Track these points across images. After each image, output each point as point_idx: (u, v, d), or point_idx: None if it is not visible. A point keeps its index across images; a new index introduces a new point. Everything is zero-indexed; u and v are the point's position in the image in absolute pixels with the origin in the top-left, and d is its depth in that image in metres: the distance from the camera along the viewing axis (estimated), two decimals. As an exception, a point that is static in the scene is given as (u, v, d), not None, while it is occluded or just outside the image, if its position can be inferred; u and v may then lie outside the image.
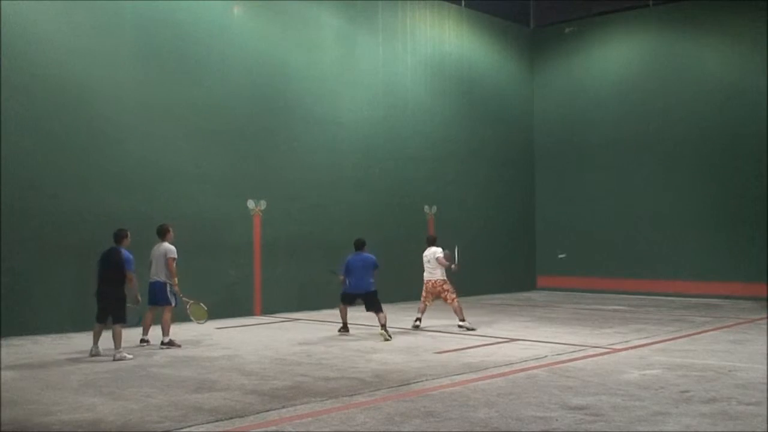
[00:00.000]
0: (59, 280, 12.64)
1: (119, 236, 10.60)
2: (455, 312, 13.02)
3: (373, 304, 12.15)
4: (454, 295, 13.05)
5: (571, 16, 21.91)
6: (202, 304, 11.74)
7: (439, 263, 13.03)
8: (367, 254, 12.51)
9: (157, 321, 11.27)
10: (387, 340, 11.55)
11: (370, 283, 12.22)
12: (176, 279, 11.13)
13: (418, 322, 13.10)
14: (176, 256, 11.14)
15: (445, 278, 13.11)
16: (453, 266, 13.17)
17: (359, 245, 12.60)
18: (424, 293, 13.28)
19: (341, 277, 12.44)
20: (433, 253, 13.13)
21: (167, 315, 11.06)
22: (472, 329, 12.76)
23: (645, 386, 7.98)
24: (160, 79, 14.24)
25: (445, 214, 19.40)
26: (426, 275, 13.23)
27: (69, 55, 13.04)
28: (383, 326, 11.84)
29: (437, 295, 13.21)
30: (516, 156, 21.86)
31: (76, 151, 13.11)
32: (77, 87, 13.13)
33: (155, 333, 11.29)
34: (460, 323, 12.90)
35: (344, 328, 12.48)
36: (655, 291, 19.52)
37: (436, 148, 19.53)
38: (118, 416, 6.78)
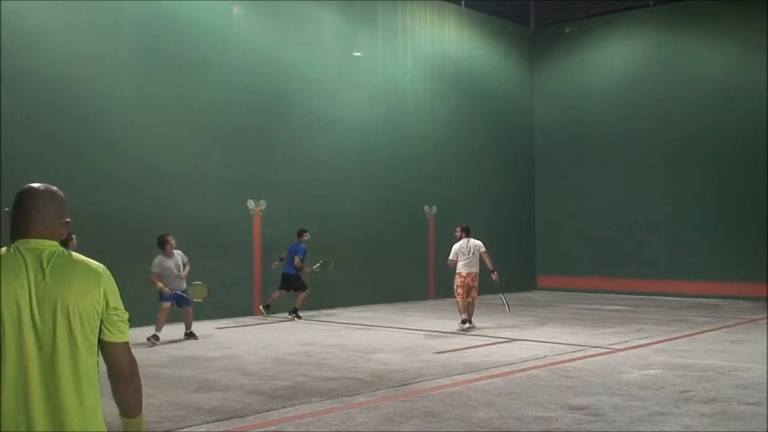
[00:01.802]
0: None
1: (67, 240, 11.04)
2: (468, 311, 12.84)
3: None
4: (476, 293, 12.87)
5: (571, 16, 21.90)
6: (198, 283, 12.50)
7: (487, 261, 12.63)
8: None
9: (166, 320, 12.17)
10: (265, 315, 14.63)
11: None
12: (160, 284, 11.63)
13: (467, 324, 12.69)
14: (155, 269, 11.60)
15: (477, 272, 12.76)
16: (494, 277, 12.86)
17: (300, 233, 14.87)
18: (461, 289, 12.68)
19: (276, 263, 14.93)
20: (477, 246, 12.67)
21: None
22: (473, 327, 12.82)
23: (645, 386, 7.98)
24: (159, 79, 14.24)
25: (445, 214, 19.39)
26: (465, 268, 12.65)
27: (68, 54, 13.04)
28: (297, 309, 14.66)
29: (469, 291, 12.70)
30: (516, 156, 21.86)
31: (76, 150, 13.10)
32: (77, 87, 13.13)
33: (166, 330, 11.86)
34: (469, 323, 12.80)
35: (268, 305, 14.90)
36: (655, 291, 19.52)
37: (436, 148, 19.52)
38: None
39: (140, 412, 2.64)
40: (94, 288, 2.47)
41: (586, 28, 21.54)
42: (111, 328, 2.50)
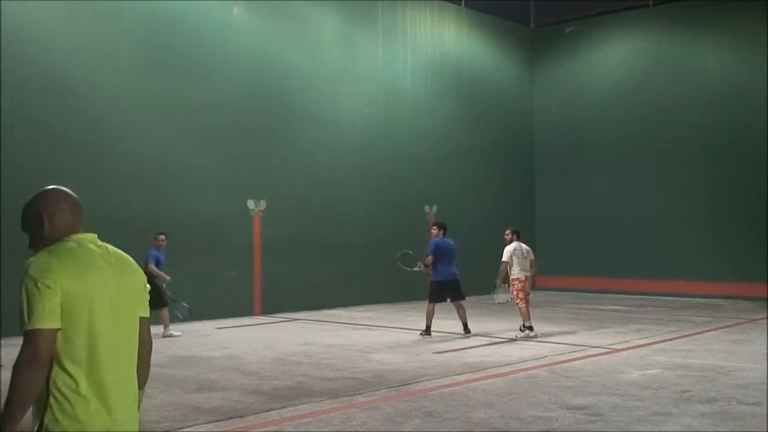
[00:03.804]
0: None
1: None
2: (524, 315, 11.97)
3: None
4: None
5: (571, 16, 21.90)
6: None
7: (532, 263, 12.06)
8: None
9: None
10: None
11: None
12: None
13: (533, 332, 11.84)
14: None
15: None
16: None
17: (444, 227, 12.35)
18: (522, 293, 11.88)
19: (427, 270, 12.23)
20: (529, 251, 12.08)
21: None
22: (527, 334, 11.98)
23: (645, 386, 7.98)
24: (159, 79, 14.24)
25: (445, 214, 19.37)
26: (522, 273, 11.89)
27: (68, 54, 13.04)
28: (465, 324, 12.01)
29: (527, 295, 12.01)
30: (516, 156, 21.86)
31: (76, 150, 13.10)
32: (77, 86, 13.13)
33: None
34: (529, 329, 11.98)
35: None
36: (655, 291, 19.51)
37: (436, 148, 19.53)
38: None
39: (145, 386, 2.88)
40: (141, 274, 2.79)
41: (586, 28, 21.54)
42: (144, 305, 2.78)
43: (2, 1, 12.21)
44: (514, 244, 12.00)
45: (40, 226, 2.66)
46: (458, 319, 12.12)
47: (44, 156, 12.67)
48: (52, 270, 2.48)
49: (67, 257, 2.54)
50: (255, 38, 15.81)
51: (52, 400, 2.46)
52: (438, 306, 12.16)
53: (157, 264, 12.07)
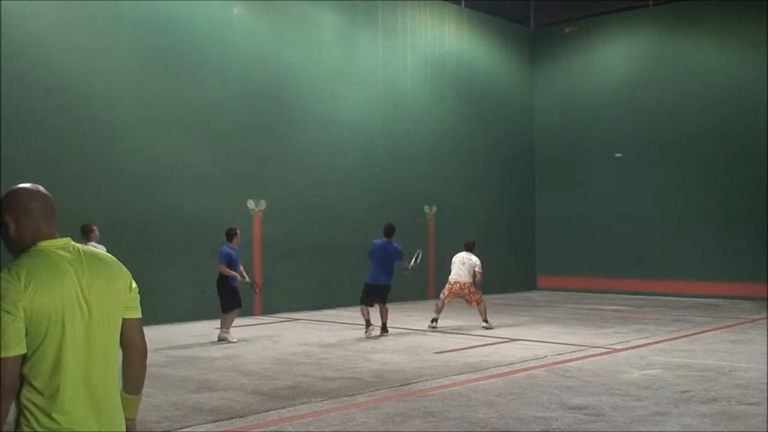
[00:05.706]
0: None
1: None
2: (481, 313, 13.11)
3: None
4: (480, 298, 13.16)
5: (571, 16, 21.90)
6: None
7: (476, 278, 13.01)
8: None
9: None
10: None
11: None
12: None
13: (435, 323, 13.03)
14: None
15: (472, 282, 13.08)
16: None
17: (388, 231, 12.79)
18: (446, 293, 13.20)
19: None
20: (471, 261, 13.13)
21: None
22: (490, 328, 12.88)
23: (645, 386, 7.98)
24: (159, 79, 14.24)
25: (445, 214, 19.39)
26: (453, 276, 13.19)
27: (68, 54, 13.04)
28: (384, 325, 12.31)
29: (460, 297, 13.24)
30: (516, 156, 21.86)
31: (76, 150, 13.10)
32: (77, 86, 13.13)
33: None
34: (485, 324, 13.02)
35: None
36: (655, 291, 19.52)
37: (436, 148, 19.53)
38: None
39: (141, 391, 2.76)
40: (122, 275, 2.62)
41: (586, 28, 21.54)
42: (132, 306, 2.65)
43: (2, 1, 12.21)
44: (458, 254, 13.38)
45: (6, 231, 2.49)
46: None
47: (44, 156, 12.66)
48: (13, 291, 2.34)
49: (31, 271, 2.40)
50: (255, 38, 15.81)
51: (22, 417, 2.41)
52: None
53: (230, 263, 11.71)
